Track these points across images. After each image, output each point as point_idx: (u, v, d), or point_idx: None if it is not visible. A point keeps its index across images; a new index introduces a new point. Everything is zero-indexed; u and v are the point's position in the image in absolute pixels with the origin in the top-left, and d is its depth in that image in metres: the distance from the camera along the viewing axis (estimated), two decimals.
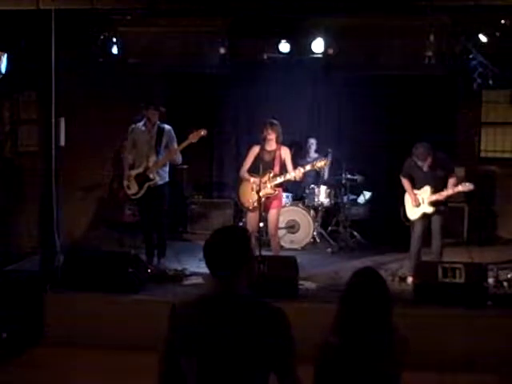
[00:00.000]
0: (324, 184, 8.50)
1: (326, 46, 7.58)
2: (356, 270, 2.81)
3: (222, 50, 7.74)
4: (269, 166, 6.63)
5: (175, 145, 6.82)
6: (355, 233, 8.46)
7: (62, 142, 6.45)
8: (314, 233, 8.43)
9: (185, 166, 8.69)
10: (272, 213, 6.77)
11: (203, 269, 5.89)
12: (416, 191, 6.60)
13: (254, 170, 6.68)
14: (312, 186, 8.45)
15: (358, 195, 8.79)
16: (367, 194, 8.78)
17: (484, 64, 7.36)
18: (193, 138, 6.63)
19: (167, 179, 6.92)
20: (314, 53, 7.72)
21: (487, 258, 6.97)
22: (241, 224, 8.31)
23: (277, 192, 6.69)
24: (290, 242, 8.22)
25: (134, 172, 6.83)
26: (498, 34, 7.02)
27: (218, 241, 2.41)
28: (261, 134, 6.67)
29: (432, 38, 7.20)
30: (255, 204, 6.52)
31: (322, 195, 8.40)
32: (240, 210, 8.09)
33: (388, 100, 8.81)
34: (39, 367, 5.32)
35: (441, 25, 7.18)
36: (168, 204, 7.04)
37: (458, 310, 5.59)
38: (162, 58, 8.08)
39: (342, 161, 8.25)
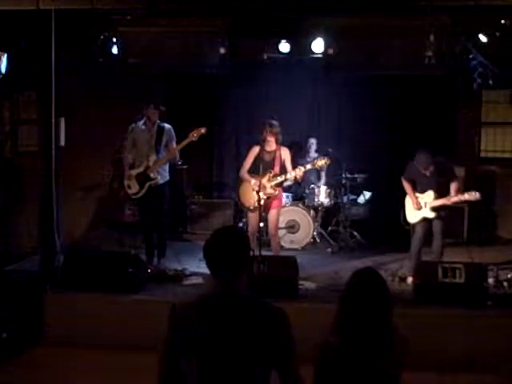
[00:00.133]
0: (324, 184, 8.51)
1: (326, 46, 7.58)
2: (356, 270, 2.81)
3: (222, 50, 7.74)
4: (269, 166, 6.63)
5: (174, 144, 6.82)
6: (355, 233, 8.45)
7: (62, 142, 6.45)
8: (314, 233, 8.42)
9: (185, 166, 8.71)
10: (272, 213, 6.77)
11: (203, 269, 5.93)
12: (418, 194, 6.58)
13: (254, 171, 6.68)
14: (312, 185, 8.45)
15: (358, 195, 8.79)
16: (367, 194, 8.78)
17: (484, 64, 7.36)
18: (193, 136, 6.63)
19: (168, 178, 6.93)
20: (313, 53, 7.71)
21: (487, 258, 6.96)
22: (241, 224, 8.32)
23: (277, 192, 6.70)
24: (290, 242, 8.21)
25: (134, 171, 6.82)
26: (498, 33, 7.02)
27: (218, 241, 2.41)
28: (260, 134, 6.67)
29: (432, 38, 7.20)
30: (255, 204, 6.52)
31: (322, 195, 8.40)
32: (240, 210, 8.09)
33: (388, 100, 8.80)
34: (39, 367, 5.32)
35: (441, 25, 7.18)
36: (168, 204, 7.04)
37: (457, 310, 5.59)
38: (162, 58, 8.07)
39: (342, 161, 8.23)
